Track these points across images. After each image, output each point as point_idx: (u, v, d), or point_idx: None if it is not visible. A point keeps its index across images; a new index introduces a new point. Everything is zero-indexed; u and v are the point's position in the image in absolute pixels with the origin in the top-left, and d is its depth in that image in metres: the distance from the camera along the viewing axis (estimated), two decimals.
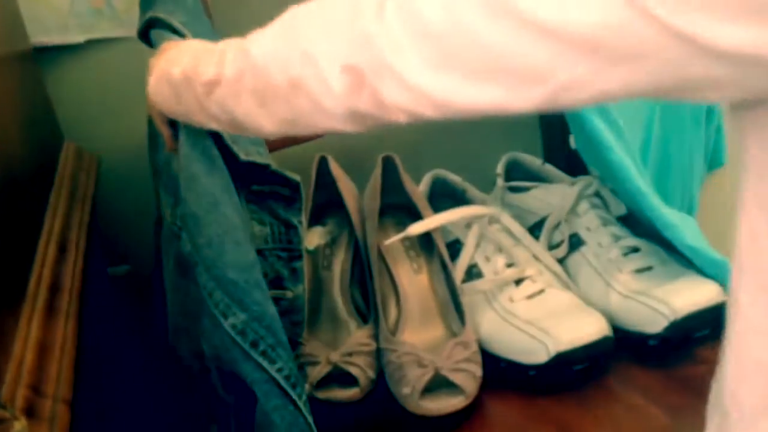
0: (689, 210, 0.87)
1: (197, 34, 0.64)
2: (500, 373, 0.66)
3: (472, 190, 0.81)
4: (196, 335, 0.60)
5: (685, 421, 0.61)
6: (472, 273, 0.72)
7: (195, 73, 0.48)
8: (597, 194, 0.75)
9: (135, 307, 0.80)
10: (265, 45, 0.44)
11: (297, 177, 0.69)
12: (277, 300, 0.71)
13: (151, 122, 0.62)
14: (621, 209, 0.74)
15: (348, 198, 0.76)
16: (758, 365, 0.37)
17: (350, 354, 0.66)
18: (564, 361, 0.63)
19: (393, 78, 0.38)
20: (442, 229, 0.74)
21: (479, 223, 0.73)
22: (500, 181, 0.80)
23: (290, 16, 0.44)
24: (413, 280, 0.73)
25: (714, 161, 0.93)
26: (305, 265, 0.72)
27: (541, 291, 0.69)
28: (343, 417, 0.66)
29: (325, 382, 0.66)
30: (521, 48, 0.34)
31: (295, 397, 0.55)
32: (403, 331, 0.69)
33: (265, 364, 0.54)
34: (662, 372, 0.65)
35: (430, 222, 0.72)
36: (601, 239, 0.72)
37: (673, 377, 0.64)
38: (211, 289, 0.55)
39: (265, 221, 0.71)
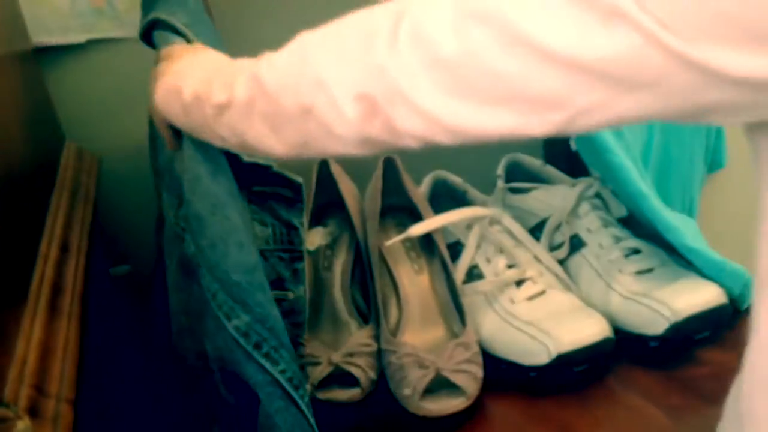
0: (689, 212, 0.87)
1: (199, 36, 0.64)
2: (501, 374, 0.66)
3: (473, 192, 0.81)
4: (199, 336, 0.60)
5: (685, 422, 0.61)
6: (473, 274, 0.72)
7: (206, 94, 0.48)
8: (598, 196, 0.75)
9: (136, 308, 0.80)
10: (277, 70, 0.44)
11: (299, 178, 0.69)
12: (278, 301, 0.71)
13: (152, 123, 0.62)
14: (622, 211, 0.74)
15: (349, 199, 0.76)
16: None
17: (351, 355, 0.66)
18: (565, 362, 0.63)
19: (406, 105, 0.38)
20: (443, 230, 0.74)
21: (480, 224, 0.73)
22: (501, 183, 0.80)
23: (302, 42, 0.43)
24: (414, 281, 0.73)
25: (714, 163, 0.93)
26: (306, 265, 0.72)
27: (542, 292, 0.69)
28: (344, 418, 0.66)
29: (326, 382, 0.66)
30: (535, 77, 0.34)
31: (297, 398, 0.55)
32: (404, 332, 0.69)
33: (267, 365, 0.55)
34: (663, 373, 0.65)
35: (430, 223, 0.72)
36: (602, 240, 0.72)
37: (673, 378, 0.64)
38: (215, 290, 0.55)
39: (267, 222, 0.71)
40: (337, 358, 0.66)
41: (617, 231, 0.72)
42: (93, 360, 0.55)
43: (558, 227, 0.75)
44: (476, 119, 0.36)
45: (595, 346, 0.63)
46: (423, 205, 0.76)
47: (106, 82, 0.83)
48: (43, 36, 0.80)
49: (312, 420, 0.56)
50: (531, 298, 0.69)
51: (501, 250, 0.72)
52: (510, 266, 0.71)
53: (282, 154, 0.46)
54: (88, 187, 0.72)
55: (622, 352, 0.66)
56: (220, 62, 0.52)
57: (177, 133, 0.58)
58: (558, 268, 0.72)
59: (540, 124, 0.35)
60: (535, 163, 0.83)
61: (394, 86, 0.38)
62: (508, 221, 0.74)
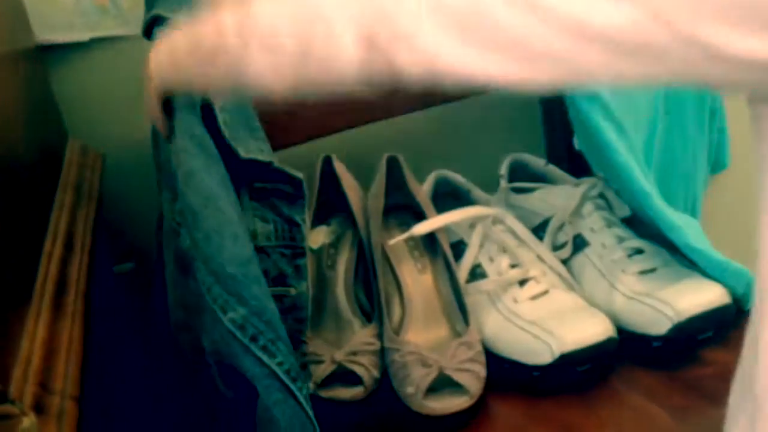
0: (692, 212, 0.87)
1: None
2: (504, 374, 0.66)
3: (476, 191, 0.81)
4: (196, 330, 0.60)
5: (688, 422, 0.61)
6: (476, 273, 0.72)
7: (196, 42, 0.48)
8: (601, 195, 0.75)
9: (139, 305, 0.80)
10: (271, 7, 0.44)
11: (300, 174, 0.69)
12: (280, 297, 0.71)
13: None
14: (625, 211, 0.74)
15: (352, 197, 0.76)
16: None
17: (354, 353, 0.66)
18: (568, 361, 0.63)
19: (407, 45, 0.38)
20: (446, 229, 0.74)
21: (483, 224, 0.73)
22: (503, 182, 0.80)
23: None
24: (417, 280, 0.73)
25: (717, 164, 0.93)
26: (309, 263, 0.72)
27: (545, 292, 0.69)
28: (346, 416, 0.66)
29: (329, 381, 0.66)
30: (537, 34, 0.35)
31: (295, 391, 0.55)
32: (407, 330, 0.69)
33: (265, 358, 0.54)
34: (666, 373, 0.65)
35: (434, 222, 0.72)
36: (605, 240, 0.72)
37: (676, 379, 0.64)
38: (210, 284, 0.55)
39: (268, 218, 0.71)
40: (340, 356, 0.66)
41: (620, 231, 0.72)
42: (97, 357, 0.55)
43: (561, 227, 0.75)
44: (477, 65, 0.37)
45: (599, 346, 0.63)
46: (426, 204, 0.76)
47: (110, 80, 0.83)
48: (47, 34, 0.80)
49: (310, 412, 0.56)
50: (534, 297, 0.69)
51: (504, 250, 0.72)
52: (513, 266, 0.71)
53: (279, 91, 0.45)
54: (92, 184, 0.72)
55: (625, 352, 0.66)
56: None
57: (169, 113, 0.57)
58: (561, 268, 0.72)
59: (538, 78, 0.36)
60: (538, 162, 0.83)
61: (396, 23, 0.38)
62: (512, 221, 0.74)
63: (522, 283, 0.70)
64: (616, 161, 0.70)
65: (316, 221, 0.77)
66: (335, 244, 0.77)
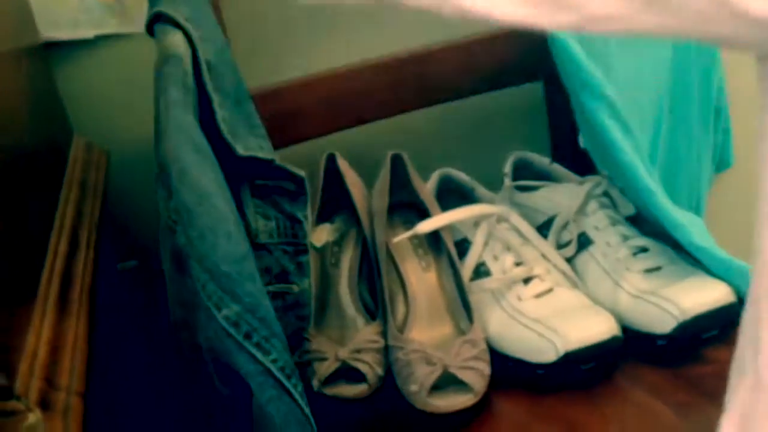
0: (697, 211, 0.87)
1: (201, 29, 0.64)
2: (508, 372, 0.66)
3: (480, 189, 0.81)
4: (193, 328, 0.60)
5: (692, 419, 0.61)
6: (480, 271, 0.72)
7: None
8: (606, 194, 0.75)
9: (143, 302, 0.80)
10: None
11: (301, 172, 0.69)
12: (283, 294, 0.71)
13: (158, 117, 0.62)
14: (630, 209, 0.74)
15: (356, 195, 0.76)
16: None
17: (359, 351, 0.66)
18: (572, 360, 0.63)
19: None
20: (450, 227, 0.74)
21: (487, 222, 0.73)
22: (508, 181, 0.80)
23: None
24: (421, 278, 0.73)
25: (722, 163, 0.93)
26: (312, 261, 0.72)
27: (550, 290, 0.69)
28: (350, 413, 0.66)
29: (333, 378, 0.66)
30: None
31: (290, 388, 0.55)
32: (411, 328, 0.69)
33: (259, 355, 0.54)
34: (670, 371, 0.65)
35: (438, 220, 0.72)
36: (610, 239, 0.72)
37: (681, 377, 0.64)
38: (204, 281, 0.55)
39: (270, 215, 0.71)
40: (344, 354, 0.66)
41: (625, 229, 0.72)
42: (100, 354, 0.55)
43: (565, 225, 0.75)
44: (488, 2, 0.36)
45: (603, 345, 0.63)
46: (430, 202, 0.76)
47: (115, 77, 0.83)
48: (52, 31, 0.80)
49: (307, 409, 0.56)
50: (538, 295, 0.69)
51: (508, 248, 0.72)
52: (517, 264, 0.71)
53: None
54: (96, 181, 0.73)
55: (630, 350, 0.66)
56: None
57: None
58: (565, 266, 0.72)
59: (550, 21, 0.35)
60: (542, 161, 0.83)
61: None
62: (516, 219, 0.74)
63: (526, 281, 0.70)
64: (622, 159, 0.69)
65: (320, 219, 0.77)
66: (339, 242, 0.77)
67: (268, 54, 0.87)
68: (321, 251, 0.76)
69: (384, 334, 0.68)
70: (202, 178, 0.55)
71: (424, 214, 0.74)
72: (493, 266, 0.72)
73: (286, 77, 0.81)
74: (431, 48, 0.83)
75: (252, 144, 0.69)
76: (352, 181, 0.77)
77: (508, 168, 0.80)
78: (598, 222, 0.73)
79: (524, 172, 0.82)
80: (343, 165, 0.77)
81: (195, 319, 0.58)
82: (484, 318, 0.69)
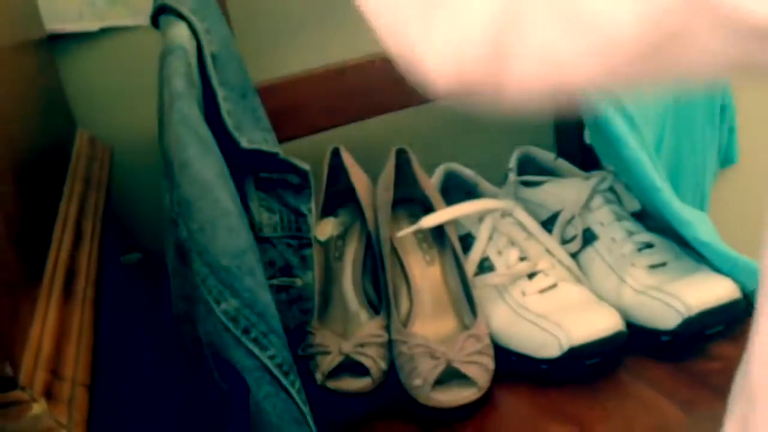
0: (701, 207, 0.87)
1: (206, 20, 0.64)
2: (512, 367, 0.66)
3: (484, 184, 0.81)
4: (195, 321, 0.60)
5: (696, 416, 0.61)
6: (484, 266, 0.72)
7: None
8: (611, 189, 0.75)
9: (146, 296, 0.80)
10: None
11: (306, 165, 0.69)
12: (286, 288, 0.71)
13: (161, 110, 0.62)
14: (635, 204, 0.74)
15: (360, 189, 0.76)
16: None
17: (362, 345, 0.66)
18: (576, 355, 0.63)
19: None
20: (455, 222, 0.74)
21: (492, 217, 0.73)
22: (512, 176, 0.80)
23: None
24: (425, 273, 0.73)
25: (726, 159, 0.93)
26: (316, 255, 0.72)
27: (554, 285, 0.69)
28: (353, 407, 0.66)
29: (337, 372, 0.66)
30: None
31: (287, 385, 0.55)
32: (415, 323, 0.69)
33: (256, 351, 0.54)
34: (675, 367, 0.65)
35: (442, 215, 0.72)
36: (615, 234, 0.71)
37: (685, 373, 0.64)
38: (204, 274, 0.55)
39: (274, 209, 0.71)
40: (347, 347, 0.66)
41: (630, 225, 0.72)
42: (104, 346, 0.55)
43: (570, 220, 0.74)
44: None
45: (607, 340, 0.63)
46: (435, 196, 0.75)
47: (119, 70, 0.83)
48: (56, 23, 0.80)
49: (304, 408, 0.55)
50: (543, 291, 0.69)
51: (513, 243, 0.72)
52: (522, 259, 0.71)
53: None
54: (100, 175, 0.73)
55: (634, 346, 0.66)
56: None
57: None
58: (570, 262, 0.72)
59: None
60: (547, 156, 0.82)
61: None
62: (520, 214, 0.74)
63: (530, 276, 0.70)
64: (627, 155, 0.69)
65: (324, 213, 0.77)
66: (343, 236, 0.77)
67: (273, 48, 0.87)
68: (325, 245, 0.76)
69: (387, 328, 0.68)
70: (205, 171, 0.55)
71: (429, 209, 0.74)
72: (497, 261, 0.72)
73: (291, 71, 0.81)
74: None
75: (256, 137, 0.68)
76: (357, 175, 0.77)
77: (512, 163, 0.80)
78: (603, 217, 0.73)
79: (529, 167, 0.81)
80: (347, 159, 0.76)
81: (196, 312, 0.58)
82: (488, 313, 0.69)
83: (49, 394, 0.42)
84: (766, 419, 0.36)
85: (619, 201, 0.74)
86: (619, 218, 0.72)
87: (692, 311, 0.64)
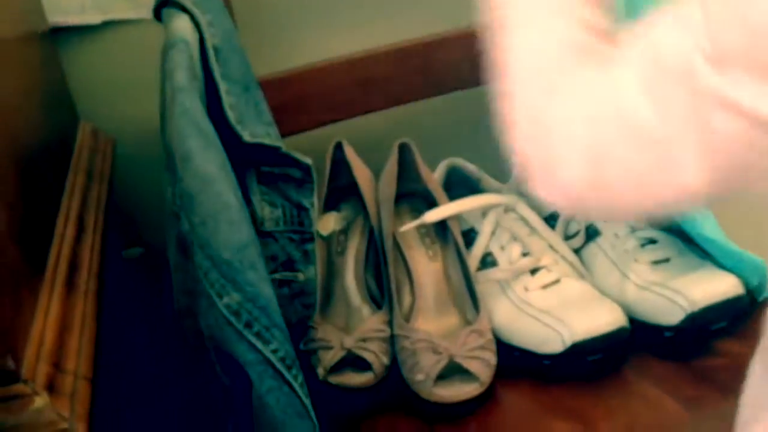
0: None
1: (208, 12, 0.64)
2: (514, 362, 0.66)
3: (488, 179, 0.80)
4: (196, 315, 0.60)
5: (700, 412, 0.61)
6: (487, 261, 0.72)
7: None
8: None
9: (148, 290, 0.80)
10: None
11: (308, 159, 0.69)
12: (288, 282, 0.71)
13: (163, 103, 0.62)
14: None
15: (363, 184, 0.76)
16: None
17: (364, 340, 0.66)
18: (579, 351, 0.63)
19: None
20: (458, 217, 0.74)
21: (495, 212, 0.73)
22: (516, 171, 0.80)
23: None
24: (428, 268, 0.73)
25: None
26: (319, 249, 0.72)
27: (557, 281, 0.69)
28: (355, 402, 0.66)
29: (339, 367, 0.66)
30: None
31: (290, 379, 0.55)
32: (417, 318, 0.69)
33: (258, 345, 0.54)
34: (678, 363, 0.65)
35: (445, 209, 0.71)
36: (618, 230, 0.71)
37: (688, 369, 0.64)
38: (207, 268, 0.55)
39: (277, 203, 0.71)
40: (349, 342, 0.66)
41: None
42: (107, 338, 0.55)
43: (573, 216, 0.74)
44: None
45: (610, 336, 0.63)
46: (438, 191, 0.75)
47: (122, 63, 0.83)
48: (59, 16, 0.80)
49: (307, 401, 0.55)
50: (545, 286, 0.69)
51: (515, 238, 0.72)
52: (524, 254, 0.71)
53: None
54: (103, 167, 0.72)
55: (637, 342, 0.65)
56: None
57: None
58: (573, 257, 0.72)
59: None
60: None
61: None
62: (524, 209, 0.74)
63: (533, 271, 0.70)
64: None
65: (327, 207, 0.77)
66: (346, 231, 0.77)
67: (276, 41, 0.86)
68: (327, 239, 0.76)
69: (390, 323, 0.68)
70: (207, 164, 0.55)
71: (432, 204, 0.74)
72: (500, 256, 0.71)
73: (294, 65, 0.80)
74: (439, 37, 0.82)
75: (259, 131, 0.68)
76: (360, 169, 0.77)
77: None
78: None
79: None
80: (350, 153, 0.76)
81: (198, 306, 0.58)
82: (491, 308, 0.69)
83: (51, 388, 0.41)
84: None
85: None
86: None
87: (695, 307, 0.64)
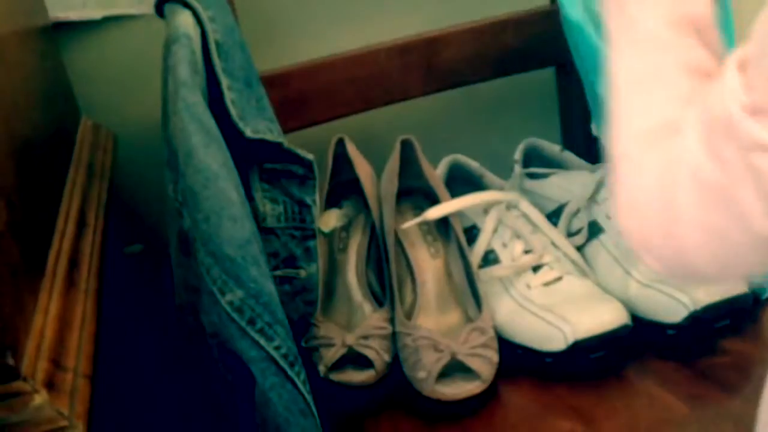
0: None
1: (209, 8, 0.64)
2: (516, 360, 0.66)
3: (490, 176, 0.80)
4: (198, 312, 0.60)
5: (703, 411, 0.60)
6: (489, 259, 0.72)
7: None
8: None
9: (148, 286, 0.80)
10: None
11: (310, 156, 0.69)
12: (290, 279, 0.71)
13: (165, 99, 0.62)
14: None
15: (365, 180, 0.76)
16: None
17: (366, 337, 0.66)
18: (581, 348, 0.63)
19: None
20: (460, 214, 0.73)
21: (497, 209, 0.73)
22: (518, 168, 0.79)
23: None
24: (430, 265, 0.73)
25: None
26: (320, 246, 0.71)
27: (559, 278, 0.69)
28: (357, 399, 0.66)
29: (340, 364, 0.66)
30: None
31: (293, 375, 0.55)
32: (419, 315, 0.69)
33: (262, 341, 0.54)
34: (680, 362, 0.64)
35: (447, 206, 0.71)
36: None
37: (691, 367, 0.64)
38: (209, 265, 0.54)
39: (278, 199, 0.71)
40: (351, 340, 0.66)
41: None
42: (108, 335, 0.54)
43: (576, 213, 0.74)
44: None
45: (613, 333, 0.63)
46: (440, 188, 0.75)
47: (123, 59, 0.83)
48: (60, 11, 0.80)
49: (309, 398, 0.55)
50: (547, 283, 0.68)
51: (518, 236, 0.72)
52: (526, 251, 0.71)
53: None
54: (103, 163, 0.72)
55: (640, 339, 0.65)
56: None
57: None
58: (575, 254, 0.71)
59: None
60: (553, 148, 0.82)
61: None
62: (526, 206, 0.73)
63: (535, 269, 0.69)
64: None
65: (329, 204, 0.77)
66: (347, 228, 0.77)
67: (278, 37, 0.86)
68: (329, 236, 0.75)
69: (391, 320, 0.68)
70: (209, 161, 0.55)
71: (434, 201, 0.74)
72: (502, 254, 0.71)
73: (296, 61, 0.80)
74: (441, 33, 0.82)
75: (261, 127, 0.68)
76: (361, 166, 0.76)
77: (518, 155, 0.80)
78: (609, 210, 0.72)
79: (535, 159, 0.81)
80: (352, 150, 0.76)
81: (200, 303, 0.58)
82: (493, 305, 0.68)
83: (51, 385, 0.41)
84: None
85: None
86: None
87: (698, 305, 0.64)
